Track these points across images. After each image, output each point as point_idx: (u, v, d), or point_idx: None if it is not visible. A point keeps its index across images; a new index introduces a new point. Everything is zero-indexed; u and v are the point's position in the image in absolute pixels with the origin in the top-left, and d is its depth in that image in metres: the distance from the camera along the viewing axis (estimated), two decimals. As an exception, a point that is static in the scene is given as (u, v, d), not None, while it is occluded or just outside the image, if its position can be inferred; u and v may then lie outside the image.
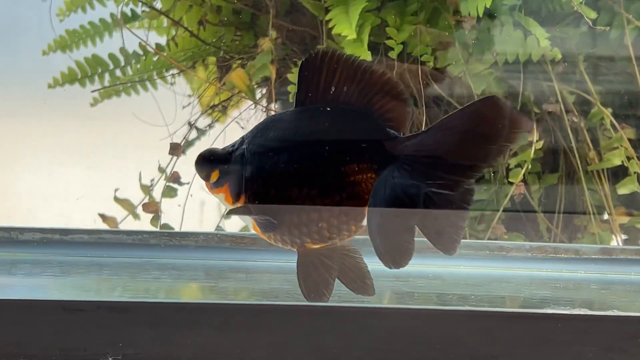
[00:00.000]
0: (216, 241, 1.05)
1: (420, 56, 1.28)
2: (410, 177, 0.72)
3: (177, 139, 1.50)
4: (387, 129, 0.74)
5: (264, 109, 1.48)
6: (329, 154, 0.74)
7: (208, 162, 0.78)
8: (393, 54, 1.28)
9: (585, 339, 0.73)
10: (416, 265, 1.02)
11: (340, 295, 0.85)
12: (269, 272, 0.99)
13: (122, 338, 0.72)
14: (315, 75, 0.75)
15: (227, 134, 1.56)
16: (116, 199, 1.41)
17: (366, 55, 1.24)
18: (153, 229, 1.20)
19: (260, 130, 0.78)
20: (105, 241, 1.04)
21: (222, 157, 0.78)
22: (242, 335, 0.74)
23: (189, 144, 1.53)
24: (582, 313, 0.75)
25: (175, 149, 1.28)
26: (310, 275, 0.77)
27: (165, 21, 1.57)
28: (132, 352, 0.72)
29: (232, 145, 0.79)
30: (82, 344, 0.72)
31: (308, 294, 0.77)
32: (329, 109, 0.74)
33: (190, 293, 0.89)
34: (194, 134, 1.55)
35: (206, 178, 0.79)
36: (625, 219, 1.32)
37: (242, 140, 0.78)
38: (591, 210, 1.32)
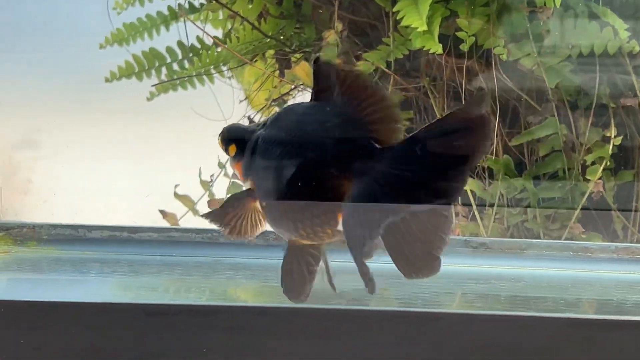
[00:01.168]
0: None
1: (493, 48, 1.23)
2: (380, 190, 0.70)
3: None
4: (370, 140, 0.72)
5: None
6: (315, 155, 0.74)
7: (227, 136, 0.80)
8: (464, 47, 1.24)
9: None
10: (496, 266, 0.99)
11: (425, 300, 0.82)
12: (345, 273, 0.96)
13: (206, 343, 0.69)
14: (327, 75, 0.76)
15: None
16: (176, 195, 1.39)
17: (437, 48, 1.20)
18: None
19: (276, 116, 0.79)
20: (174, 239, 1.01)
21: (241, 134, 0.79)
22: (328, 341, 0.71)
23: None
24: None
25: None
26: (292, 272, 0.76)
27: (220, 14, 1.54)
28: (216, 358, 0.69)
29: (257, 125, 0.80)
30: (163, 350, 0.70)
31: (287, 291, 0.75)
32: (329, 109, 0.75)
33: (268, 295, 0.86)
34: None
35: (226, 151, 0.80)
36: None
37: (265, 122, 0.79)
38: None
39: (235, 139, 0.79)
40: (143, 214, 1.23)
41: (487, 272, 0.98)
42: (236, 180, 1.29)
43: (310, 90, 1.37)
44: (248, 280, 0.91)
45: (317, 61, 0.78)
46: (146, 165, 1.36)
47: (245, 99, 1.56)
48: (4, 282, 0.86)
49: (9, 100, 1.11)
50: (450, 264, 0.97)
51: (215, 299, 0.81)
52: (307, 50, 1.41)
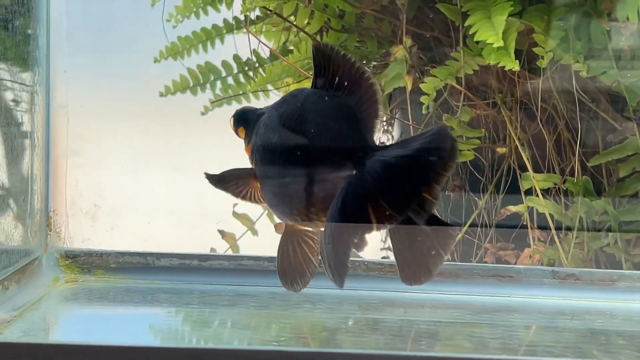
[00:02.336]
0: (363, 269, 0.97)
1: (572, 64, 1.18)
2: (371, 189, 0.70)
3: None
4: (366, 135, 0.74)
5: (393, 119, 1.40)
6: (310, 145, 0.75)
7: (236, 117, 0.83)
8: (542, 63, 1.18)
9: None
10: (586, 300, 0.93)
11: (520, 340, 0.76)
12: (430, 306, 0.91)
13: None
14: (326, 62, 0.77)
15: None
16: (235, 214, 1.35)
17: (513, 65, 1.15)
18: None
19: (281, 100, 0.80)
20: (246, 268, 0.97)
21: (247, 117, 0.81)
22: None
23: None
24: None
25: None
26: (288, 257, 0.77)
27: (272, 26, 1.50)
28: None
29: (266, 108, 0.80)
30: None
31: (281, 277, 0.77)
32: (327, 98, 0.76)
33: (354, 334, 0.81)
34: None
35: (236, 132, 0.83)
36: None
37: (269, 106, 0.80)
38: None
39: (244, 122, 0.81)
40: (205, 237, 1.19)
41: (578, 306, 0.93)
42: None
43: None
44: (328, 315, 0.86)
45: (317, 45, 0.81)
46: (200, 181, 1.32)
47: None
48: (75, 318, 0.82)
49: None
50: (540, 297, 0.92)
51: (298, 337, 0.76)
52: (369, 65, 1.36)
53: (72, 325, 0.81)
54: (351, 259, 0.99)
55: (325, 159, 0.73)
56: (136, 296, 0.91)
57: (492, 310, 0.91)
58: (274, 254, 1.05)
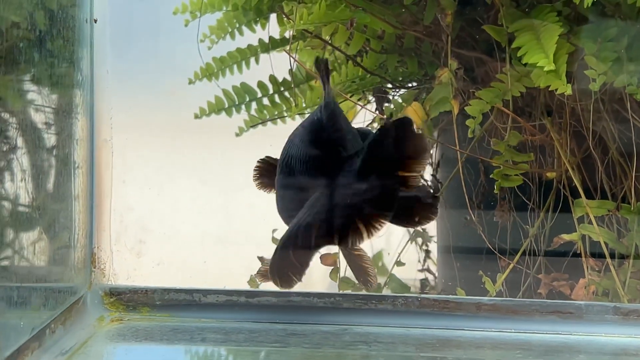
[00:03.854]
0: (417, 305, 0.94)
1: (625, 87, 1.14)
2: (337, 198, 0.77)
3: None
4: (339, 146, 0.80)
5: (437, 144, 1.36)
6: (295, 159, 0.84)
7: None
8: (594, 86, 1.14)
9: None
10: None
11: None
12: (489, 346, 0.87)
13: None
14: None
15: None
16: (274, 240, 1.31)
17: (565, 89, 1.11)
18: (346, 292, 1.09)
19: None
20: (295, 304, 0.94)
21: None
22: None
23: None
24: None
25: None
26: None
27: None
28: None
29: None
30: None
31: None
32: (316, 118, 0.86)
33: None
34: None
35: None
36: None
37: None
38: None
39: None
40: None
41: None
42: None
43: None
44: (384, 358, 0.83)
45: (317, 60, 0.93)
46: (236, 203, 1.29)
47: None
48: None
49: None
50: (601, 334, 0.88)
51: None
52: (414, 87, 1.33)
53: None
54: (406, 294, 0.96)
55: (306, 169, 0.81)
56: (183, 335, 0.87)
57: (554, 351, 0.87)
58: (322, 289, 1.02)
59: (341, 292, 1.00)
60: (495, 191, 1.19)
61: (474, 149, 1.25)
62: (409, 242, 1.33)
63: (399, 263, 1.23)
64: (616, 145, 1.21)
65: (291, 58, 1.33)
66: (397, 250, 1.23)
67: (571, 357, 0.86)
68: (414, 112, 1.23)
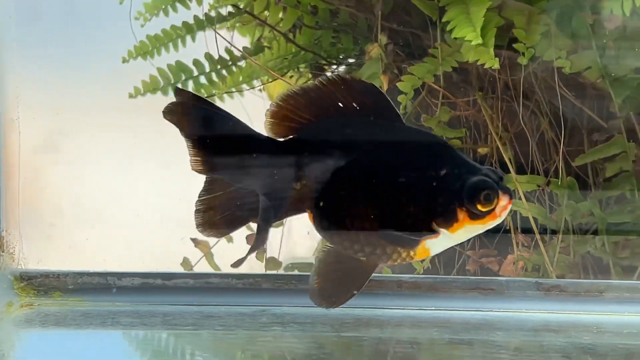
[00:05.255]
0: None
1: (555, 60, 1.12)
2: None
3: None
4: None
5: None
6: None
7: None
8: (523, 60, 1.13)
9: None
10: (572, 312, 0.88)
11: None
12: (408, 325, 0.86)
13: None
14: None
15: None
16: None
17: (493, 62, 1.09)
18: (266, 272, 1.07)
19: None
20: (212, 286, 0.92)
21: None
22: None
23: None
24: None
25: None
26: None
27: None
28: None
29: None
30: None
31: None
32: None
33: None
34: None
35: None
36: None
37: None
38: None
39: None
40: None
41: (563, 319, 0.88)
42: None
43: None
44: (300, 340, 0.81)
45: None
46: (169, 181, 1.27)
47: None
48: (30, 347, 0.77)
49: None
50: (523, 310, 0.87)
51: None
52: (349, 63, 1.31)
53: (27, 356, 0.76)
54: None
55: None
56: (95, 320, 0.85)
57: (473, 328, 0.86)
58: (244, 270, 1.00)
59: (261, 272, 0.99)
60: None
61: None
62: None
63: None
64: (548, 119, 1.20)
65: (218, 35, 1.30)
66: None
67: (489, 334, 0.85)
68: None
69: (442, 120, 1.19)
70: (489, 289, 0.92)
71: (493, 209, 0.73)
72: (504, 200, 0.73)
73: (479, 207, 0.72)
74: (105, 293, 0.90)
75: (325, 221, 0.74)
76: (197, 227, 0.78)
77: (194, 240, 1.26)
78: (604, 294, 0.91)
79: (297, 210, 0.77)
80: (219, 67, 1.42)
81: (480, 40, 1.09)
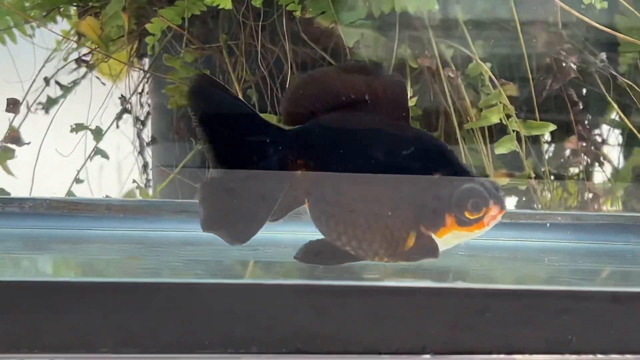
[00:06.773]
0: (45, 207, 0.94)
1: (286, 6, 1.18)
2: None
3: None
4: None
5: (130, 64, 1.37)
6: None
7: None
8: (256, 2, 1.18)
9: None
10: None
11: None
12: (100, 242, 0.89)
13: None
14: None
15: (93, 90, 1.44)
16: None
17: (226, 3, 1.14)
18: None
19: None
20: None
21: None
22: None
23: (52, 101, 1.40)
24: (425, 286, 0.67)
25: (14, 105, 1.15)
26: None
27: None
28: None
29: None
30: None
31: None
32: None
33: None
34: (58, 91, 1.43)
35: None
36: (505, 180, 1.26)
37: None
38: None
39: None
40: None
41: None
42: (8, 145, 1.19)
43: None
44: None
45: None
46: None
47: (49, 59, 1.46)
48: None
49: None
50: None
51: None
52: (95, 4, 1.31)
53: None
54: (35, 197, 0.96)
55: None
56: None
57: (172, 244, 0.91)
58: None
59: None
60: (169, 106, 1.21)
61: (156, 66, 1.26)
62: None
63: (77, 180, 1.24)
64: (290, 63, 1.26)
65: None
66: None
67: (178, 248, 0.90)
68: (88, 27, 1.23)
69: (187, 60, 1.23)
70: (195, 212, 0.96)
71: (481, 218, 0.73)
72: (494, 211, 0.73)
73: (467, 214, 0.72)
74: None
75: (317, 211, 0.73)
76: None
77: None
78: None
79: (297, 202, 0.75)
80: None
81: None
